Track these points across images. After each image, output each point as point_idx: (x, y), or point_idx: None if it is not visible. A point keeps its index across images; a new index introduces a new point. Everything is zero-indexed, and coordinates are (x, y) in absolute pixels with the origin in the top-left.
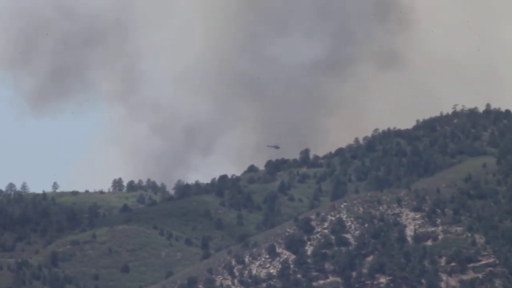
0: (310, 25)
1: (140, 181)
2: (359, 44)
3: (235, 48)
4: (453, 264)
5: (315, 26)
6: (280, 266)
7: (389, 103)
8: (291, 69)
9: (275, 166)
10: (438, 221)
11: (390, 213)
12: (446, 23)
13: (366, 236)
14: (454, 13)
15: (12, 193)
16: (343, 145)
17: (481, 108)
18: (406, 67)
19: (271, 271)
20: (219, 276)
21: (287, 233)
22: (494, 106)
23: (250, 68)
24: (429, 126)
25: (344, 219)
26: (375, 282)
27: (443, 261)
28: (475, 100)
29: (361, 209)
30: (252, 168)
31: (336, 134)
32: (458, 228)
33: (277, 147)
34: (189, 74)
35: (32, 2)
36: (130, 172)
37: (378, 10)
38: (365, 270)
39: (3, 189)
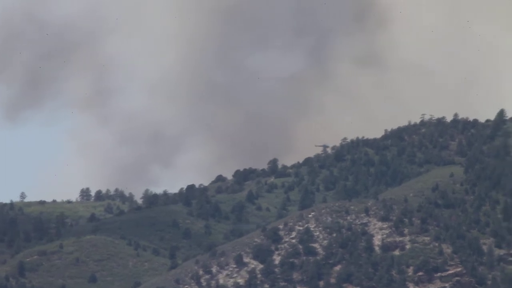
0: (287, 38)
1: (108, 190)
2: (333, 55)
3: (209, 60)
4: (420, 273)
5: (291, 40)
6: (247, 276)
7: (358, 113)
8: (265, 80)
9: (243, 176)
10: (406, 230)
11: (358, 223)
12: (420, 30)
13: (334, 245)
14: (428, 19)
15: None
16: (311, 154)
17: (449, 118)
18: (379, 77)
19: (239, 280)
20: (186, 286)
21: (254, 243)
22: (462, 115)
23: (224, 79)
24: (397, 135)
25: (312, 228)
26: None
27: (410, 270)
28: (443, 109)
29: (329, 218)
30: (220, 178)
31: (304, 143)
32: (425, 238)
33: (326, 146)
34: (161, 85)
35: (4, 13)
36: (98, 181)
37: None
38: (332, 280)
39: None
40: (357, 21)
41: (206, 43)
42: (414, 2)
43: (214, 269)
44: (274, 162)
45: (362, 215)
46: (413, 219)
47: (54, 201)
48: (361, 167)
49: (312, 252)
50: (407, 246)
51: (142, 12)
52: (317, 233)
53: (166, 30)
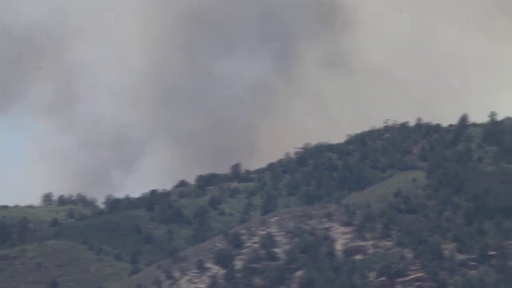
0: (252, 44)
1: (70, 195)
2: (298, 60)
3: (173, 65)
4: (382, 278)
5: (256, 45)
6: (209, 281)
7: (322, 118)
8: (229, 86)
9: (205, 181)
10: (368, 235)
11: (320, 228)
12: (385, 35)
13: (296, 250)
14: (393, 24)
15: None
16: (274, 159)
17: (412, 122)
18: (344, 81)
19: (200, 286)
20: None
21: (216, 248)
22: (425, 120)
23: (188, 84)
24: (360, 140)
25: (274, 233)
26: None
27: (372, 275)
28: (406, 114)
29: (291, 223)
30: (182, 183)
31: (268, 148)
32: (387, 243)
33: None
34: (125, 90)
35: None
36: (60, 186)
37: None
38: (294, 285)
39: None
40: (323, 25)
41: (171, 49)
42: (380, 7)
43: (176, 274)
44: (236, 167)
45: (325, 220)
46: (376, 224)
47: (16, 205)
48: (324, 172)
49: (274, 257)
50: (370, 251)
51: (107, 18)
52: (279, 238)
53: (130, 35)
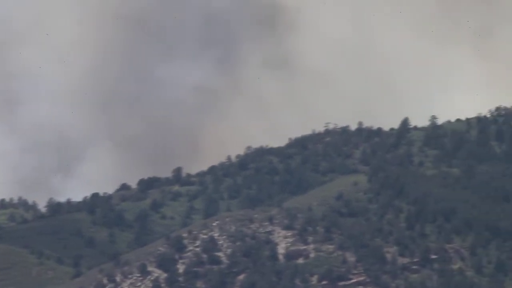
0: (194, 46)
1: (11, 199)
2: (240, 63)
3: (115, 69)
4: (324, 282)
5: (199, 48)
6: (151, 285)
7: (264, 121)
8: (171, 89)
9: (147, 184)
10: (310, 239)
11: (262, 231)
12: (327, 38)
13: (238, 254)
14: (335, 27)
15: None
16: (216, 163)
17: (353, 126)
18: (286, 84)
19: None
20: None
21: (158, 252)
22: (366, 124)
23: (130, 87)
24: (301, 144)
25: (216, 237)
26: None
27: (314, 279)
28: (348, 117)
29: (233, 227)
30: (124, 186)
31: (209, 151)
32: (329, 246)
33: None
34: (67, 93)
35: None
36: (1, 190)
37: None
38: None
39: None
40: (265, 28)
41: (113, 52)
42: (321, 9)
43: (118, 278)
44: (178, 170)
45: (266, 223)
46: (317, 227)
47: None
48: (265, 175)
49: (216, 261)
50: (311, 255)
51: (48, 22)
52: (221, 242)
53: (72, 39)
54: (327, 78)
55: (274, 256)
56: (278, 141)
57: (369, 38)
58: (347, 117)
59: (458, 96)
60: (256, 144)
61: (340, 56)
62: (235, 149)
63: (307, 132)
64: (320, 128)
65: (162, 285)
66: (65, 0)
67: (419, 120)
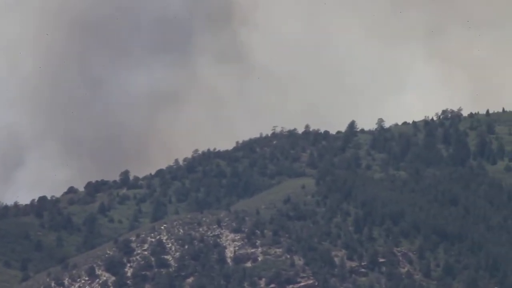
0: (143, 52)
1: None
2: (191, 65)
3: (67, 73)
4: (272, 285)
5: (151, 52)
6: None
7: (212, 124)
8: (120, 93)
9: (94, 188)
10: (258, 242)
11: (210, 235)
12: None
13: (186, 257)
14: (287, 27)
15: None
16: (163, 166)
17: (300, 129)
18: (236, 86)
19: None
20: None
21: (106, 255)
22: (313, 127)
23: (79, 91)
24: (248, 147)
25: (164, 240)
26: None
27: (262, 282)
28: (295, 120)
29: (181, 230)
30: (71, 190)
31: (157, 155)
32: (277, 250)
33: None
34: (16, 97)
35: None
36: None
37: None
38: None
39: None
40: (214, 30)
41: (63, 55)
42: (274, 10)
43: (66, 282)
44: (126, 173)
45: (214, 226)
46: (265, 231)
47: None
48: (213, 178)
49: (164, 264)
50: (259, 258)
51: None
52: (169, 245)
53: (22, 43)
54: (278, 78)
55: (222, 259)
56: (226, 144)
57: (322, 38)
58: (294, 120)
59: (406, 98)
60: (203, 147)
61: (293, 56)
62: (184, 153)
63: (255, 135)
64: (267, 131)
65: (111, 287)
66: (18, 1)
67: (366, 123)
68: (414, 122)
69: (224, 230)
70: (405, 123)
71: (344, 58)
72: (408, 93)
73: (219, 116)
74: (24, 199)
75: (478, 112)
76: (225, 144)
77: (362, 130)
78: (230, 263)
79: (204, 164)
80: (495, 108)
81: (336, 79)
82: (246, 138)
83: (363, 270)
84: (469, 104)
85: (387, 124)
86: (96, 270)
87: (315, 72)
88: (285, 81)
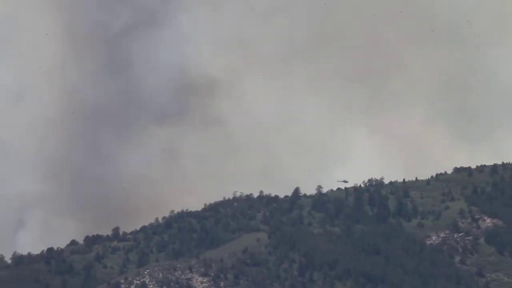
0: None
1: None
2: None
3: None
4: None
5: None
6: None
7: (184, 189)
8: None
9: (92, 240)
10: (222, 284)
11: (184, 278)
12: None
13: None
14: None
15: None
16: (146, 223)
17: (256, 194)
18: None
19: None
20: None
21: None
22: (266, 192)
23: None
24: (214, 208)
25: (147, 282)
26: None
27: None
28: (251, 186)
29: (160, 274)
30: (73, 242)
31: (141, 214)
32: None
33: (346, 182)
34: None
35: None
36: None
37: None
38: None
39: None
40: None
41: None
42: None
43: None
44: (116, 229)
45: (187, 271)
46: (228, 275)
47: None
48: (186, 233)
49: None
50: None
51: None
52: (151, 286)
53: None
54: (237, 146)
55: None
56: (196, 205)
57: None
58: (251, 185)
59: (341, 168)
60: (178, 208)
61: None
62: (161, 212)
63: (219, 198)
64: (229, 195)
65: None
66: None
67: (308, 189)
68: (345, 188)
69: (194, 274)
70: (338, 189)
71: (286, 130)
72: (344, 163)
73: (189, 179)
74: (35, 250)
75: (396, 180)
76: (196, 205)
77: (305, 195)
78: None
79: (179, 222)
80: (409, 177)
81: (281, 150)
82: (212, 201)
83: None
84: (389, 173)
85: (324, 190)
86: None
87: (268, 141)
88: (242, 148)
